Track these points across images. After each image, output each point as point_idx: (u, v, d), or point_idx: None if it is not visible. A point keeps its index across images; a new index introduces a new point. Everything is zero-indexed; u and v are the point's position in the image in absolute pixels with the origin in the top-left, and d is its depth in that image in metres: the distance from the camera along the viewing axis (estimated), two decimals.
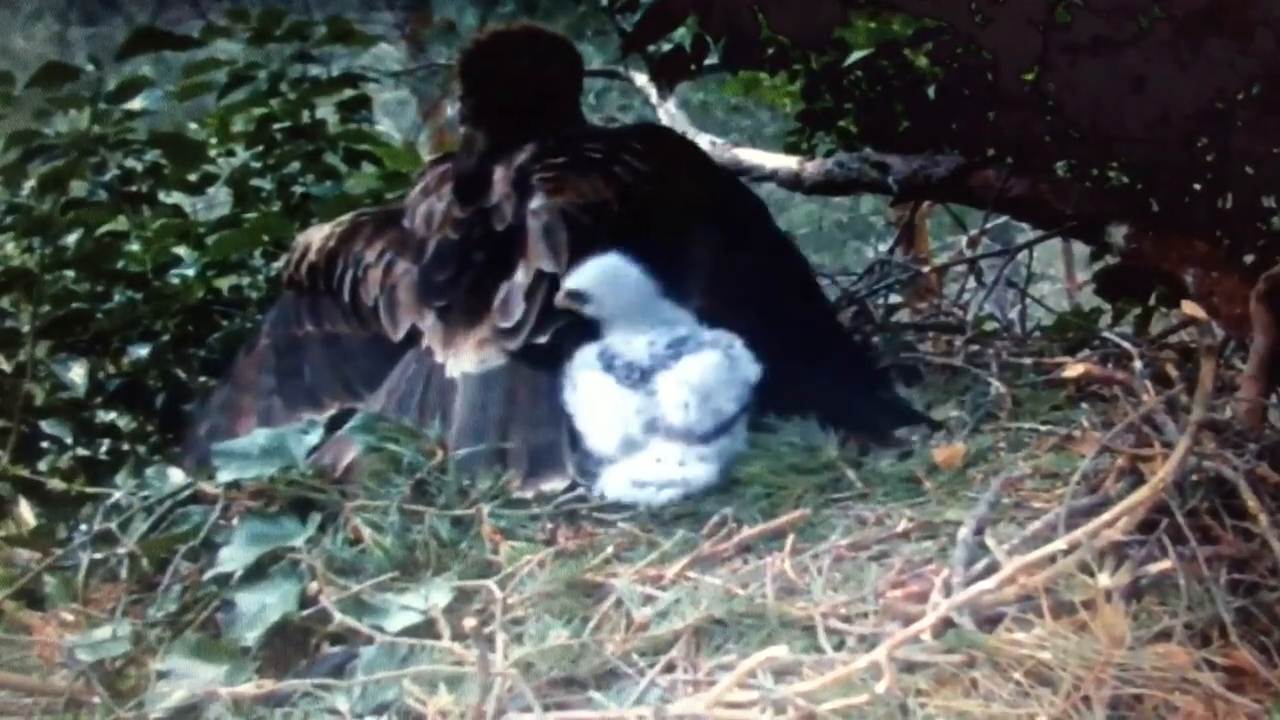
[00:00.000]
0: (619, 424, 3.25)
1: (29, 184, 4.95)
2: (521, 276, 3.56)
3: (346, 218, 4.02)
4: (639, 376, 3.28)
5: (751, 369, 3.34)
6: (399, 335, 3.68)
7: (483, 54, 3.96)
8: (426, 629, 2.78)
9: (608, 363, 3.32)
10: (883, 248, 8.82)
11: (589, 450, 3.27)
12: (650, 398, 3.26)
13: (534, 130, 3.83)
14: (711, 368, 3.29)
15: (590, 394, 3.31)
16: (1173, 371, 3.90)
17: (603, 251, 3.45)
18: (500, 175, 3.73)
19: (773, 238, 4.01)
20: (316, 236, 3.97)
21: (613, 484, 3.20)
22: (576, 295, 3.39)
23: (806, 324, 3.77)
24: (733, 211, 3.85)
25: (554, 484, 3.26)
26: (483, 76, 3.92)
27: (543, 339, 3.47)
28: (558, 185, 3.66)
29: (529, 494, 3.24)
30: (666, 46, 5.38)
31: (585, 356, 3.36)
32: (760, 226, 3.94)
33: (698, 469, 3.21)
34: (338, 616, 2.85)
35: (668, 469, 3.20)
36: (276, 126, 5.29)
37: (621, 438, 3.24)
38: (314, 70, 5.30)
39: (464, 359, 3.52)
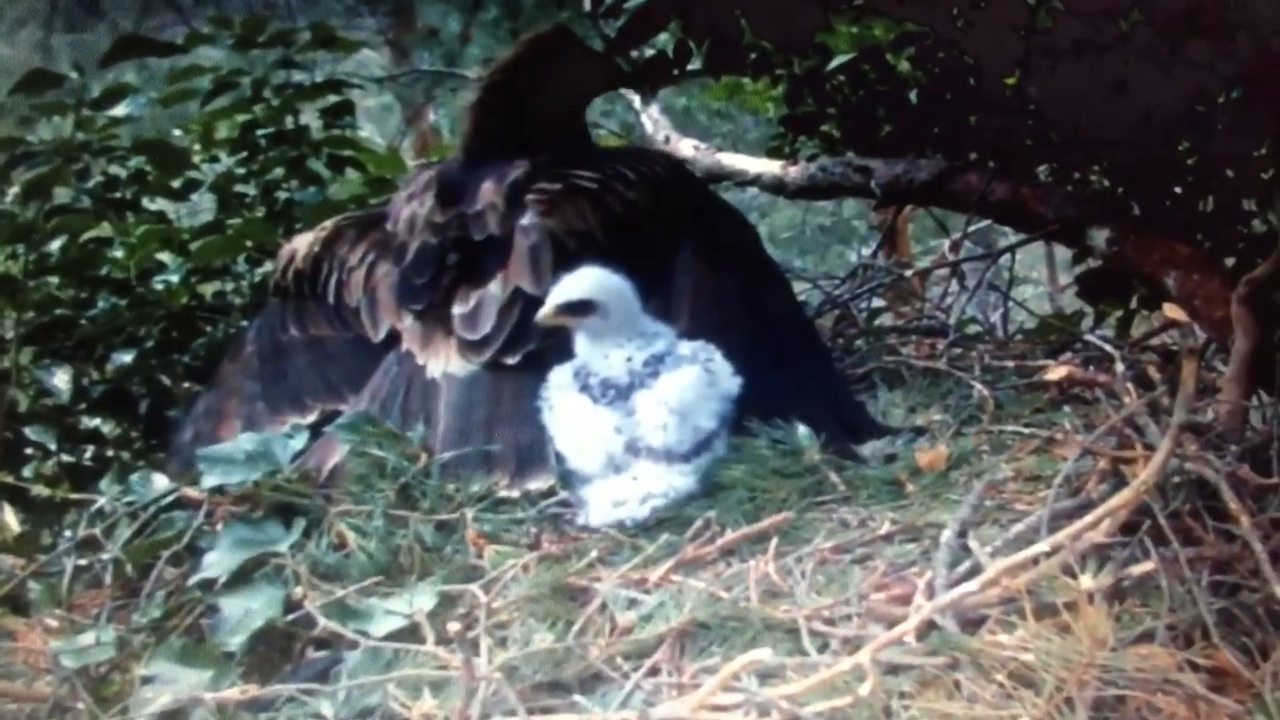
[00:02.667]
0: (598, 445, 3.23)
1: (13, 190, 4.94)
2: (496, 289, 3.57)
3: (330, 222, 4.02)
4: (615, 395, 3.27)
5: (731, 383, 3.32)
6: (379, 336, 3.69)
7: (529, 53, 3.96)
8: (411, 633, 2.78)
9: (583, 382, 3.30)
10: (865, 251, 8.85)
11: (570, 470, 3.26)
12: (629, 418, 3.24)
13: (535, 141, 3.84)
14: (690, 386, 3.26)
15: (567, 415, 3.29)
16: (1155, 374, 3.92)
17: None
18: (489, 186, 3.73)
19: (760, 265, 4.00)
20: (302, 243, 3.97)
21: (595, 511, 3.18)
22: (578, 306, 3.34)
23: (788, 351, 3.74)
24: (720, 238, 3.84)
25: (541, 482, 3.27)
26: (510, 79, 3.93)
27: (511, 359, 3.49)
28: (550, 208, 3.65)
29: (516, 493, 3.25)
30: (649, 52, 5.38)
31: (560, 377, 3.34)
32: (747, 253, 3.94)
33: (678, 482, 3.20)
34: (322, 621, 2.85)
35: (647, 486, 3.19)
36: (260, 132, 5.28)
37: (601, 459, 3.22)
38: (297, 76, 5.29)
39: (445, 361, 3.53)
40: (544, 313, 3.36)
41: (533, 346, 3.46)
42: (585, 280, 3.36)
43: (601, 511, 3.16)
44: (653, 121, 6.55)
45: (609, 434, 3.23)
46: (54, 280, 5.07)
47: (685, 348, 3.35)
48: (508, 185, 3.71)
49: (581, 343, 3.35)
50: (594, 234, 3.62)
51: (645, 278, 3.42)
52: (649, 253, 3.60)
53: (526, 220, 3.64)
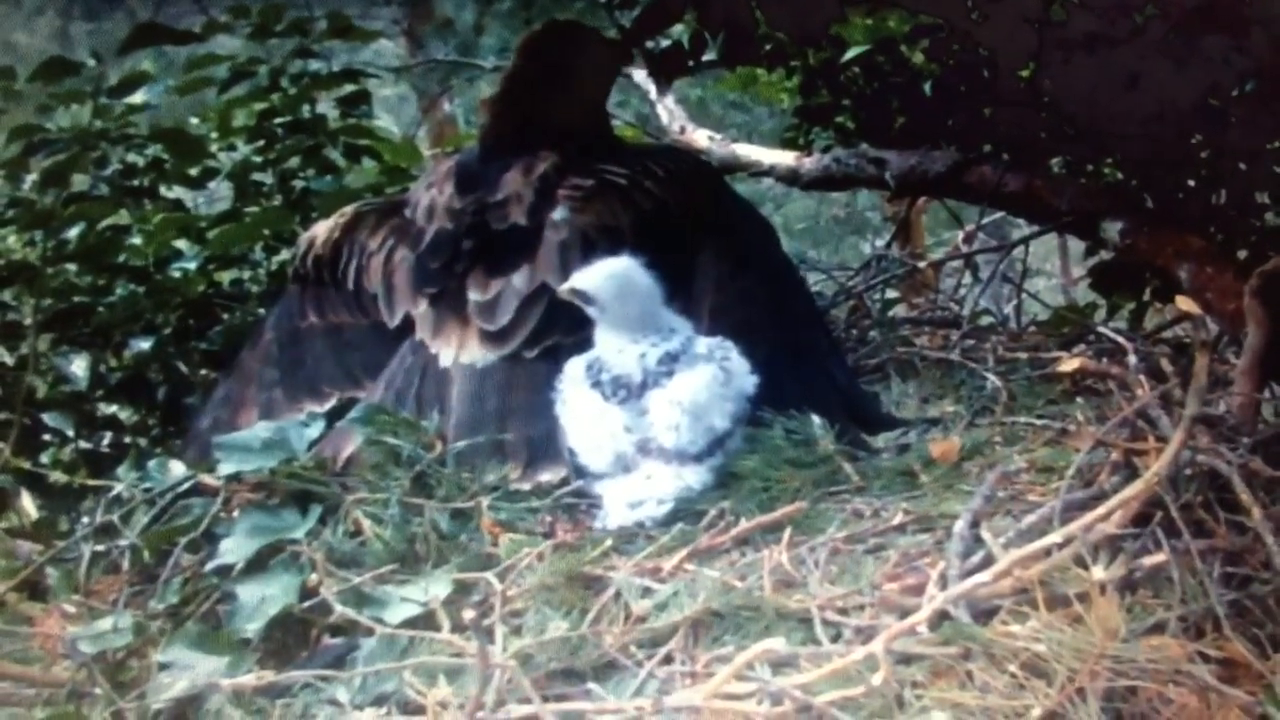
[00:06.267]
0: (608, 443, 3.23)
1: (31, 178, 4.95)
2: (521, 282, 3.59)
3: (350, 209, 4.03)
4: (627, 394, 3.25)
5: (747, 381, 3.31)
6: (394, 322, 3.70)
7: (540, 45, 3.96)
8: (426, 621, 2.80)
9: (595, 379, 3.28)
10: (879, 243, 8.87)
11: (581, 466, 3.26)
12: (641, 417, 3.23)
13: (557, 131, 3.85)
14: (704, 386, 3.25)
15: (578, 411, 3.29)
16: (1167, 366, 3.91)
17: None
18: (514, 175, 3.74)
19: (777, 263, 4.01)
20: (322, 229, 3.98)
21: (613, 514, 3.17)
22: (581, 294, 3.35)
23: (804, 347, 3.74)
24: (740, 236, 3.85)
25: (553, 474, 3.28)
26: (533, 69, 3.93)
27: (531, 353, 3.50)
28: (583, 204, 3.66)
29: (528, 485, 3.26)
30: (664, 42, 5.39)
31: (574, 370, 3.34)
32: (765, 252, 3.95)
33: (691, 480, 3.20)
34: (338, 608, 2.86)
35: (660, 486, 3.18)
36: (277, 121, 5.28)
37: (610, 458, 3.22)
38: (314, 65, 5.30)
39: (457, 349, 3.54)
40: (561, 288, 3.39)
41: (552, 342, 3.48)
42: (596, 273, 3.37)
43: (618, 513, 3.16)
44: (668, 112, 6.55)
45: (619, 433, 3.23)
46: (72, 267, 5.07)
47: (702, 345, 3.33)
48: (537, 177, 3.72)
49: (599, 332, 3.36)
50: (623, 231, 3.63)
51: (668, 275, 3.41)
52: (673, 250, 3.59)
53: (558, 215, 3.65)
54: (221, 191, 5.56)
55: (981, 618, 2.56)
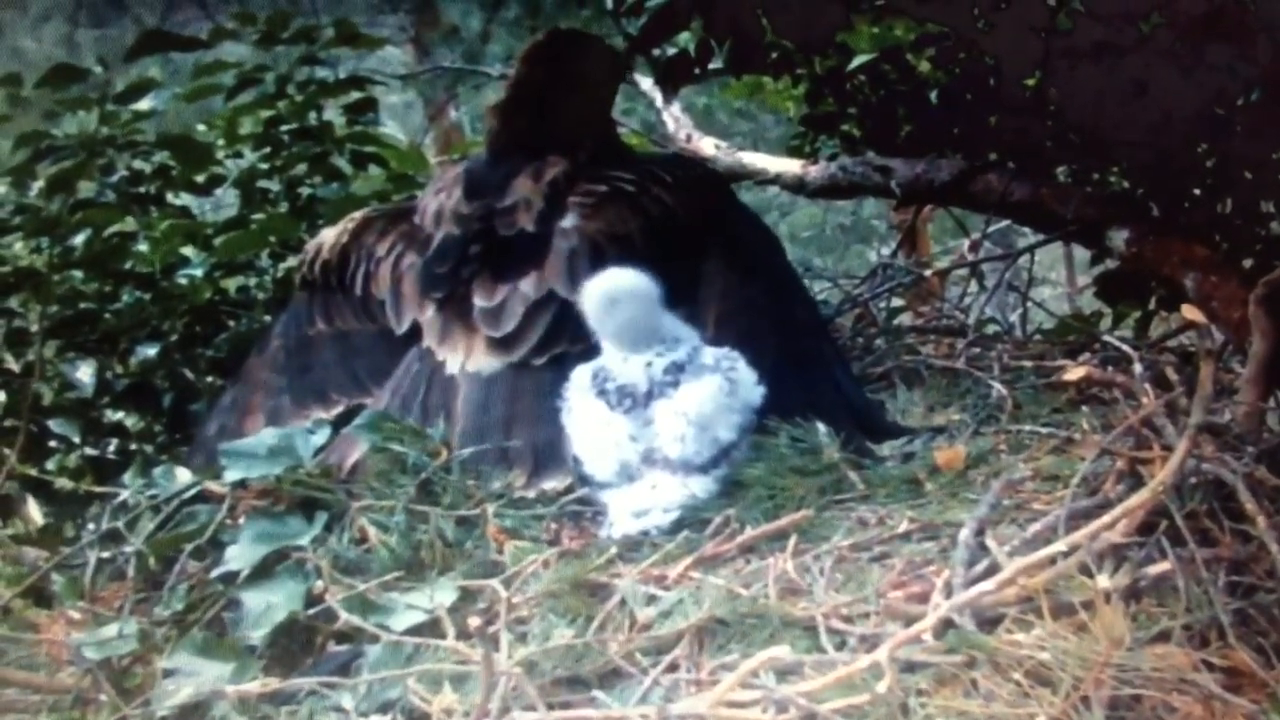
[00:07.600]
0: (613, 452, 3.23)
1: (37, 184, 4.96)
2: (528, 289, 3.58)
3: (358, 214, 4.03)
4: (633, 403, 3.25)
5: (754, 392, 3.30)
6: (402, 329, 3.70)
7: (545, 52, 3.97)
8: (431, 628, 2.80)
9: (600, 387, 3.28)
10: (885, 251, 8.85)
11: (586, 475, 3.26)
12: (646, 427, 3.23)
13: (565, 138, 3.85)
14: (710, 397, 3.24)
15: (584, 420, 3.29)
16: (1172, 375, 3.92)
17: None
18: (524, 180, 3.74)
19: (781, 271, 4.02)
20: (329, 235, 3.99)
21: (618, 522, 3.16)
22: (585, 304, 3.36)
23: (808, 357, 3.74)
24: (746, 244, 3.85)
25: (558, 482, 3.28)
26: (540, 75, 3.94)
27: (538, 361, 3.50)
28: (593, 211, 3.67)
29: (533, 493, 3.26)
30: (671, 50, 5.39)
31: (580, 379, 3.33)
32: (770, 260, 3.95)
33: (697, 490, 3.20)
34: (343, 615, 2.87)
35: (666, 495, 3.18)
36: (283, 128, 5.28)
37: (614, 467, 3.22)
38: (321, 73, 5.30)
39: (463, 356, 3.55)
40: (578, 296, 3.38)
41: (560, 350, 3.48)
42: (600, 281, 3.37)
43: (623, 523, 3.15)
44: (674, 120, 6.54)
45: (623, 442, 3.23)
46: (78, 274, 5.07)
47: (708, 356, 3.32)
48: (547, 183, 3.72)
49: (605, 340, 3.35)
50: (633, 238, 3.63)
51: (674, 282, 3.40)
52: (680, 257, 3.59)
53: (567, 223, 3.65)
54: (228, 198, 5.56)
55: (986, 626, 2.57)
